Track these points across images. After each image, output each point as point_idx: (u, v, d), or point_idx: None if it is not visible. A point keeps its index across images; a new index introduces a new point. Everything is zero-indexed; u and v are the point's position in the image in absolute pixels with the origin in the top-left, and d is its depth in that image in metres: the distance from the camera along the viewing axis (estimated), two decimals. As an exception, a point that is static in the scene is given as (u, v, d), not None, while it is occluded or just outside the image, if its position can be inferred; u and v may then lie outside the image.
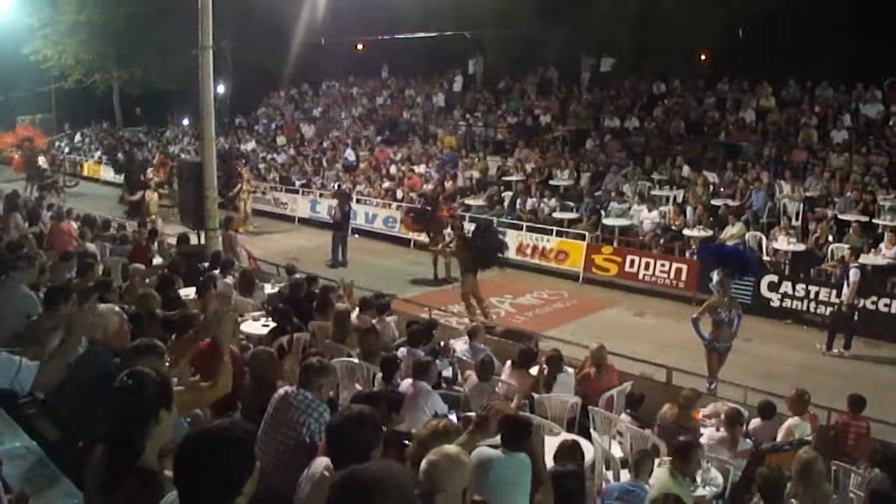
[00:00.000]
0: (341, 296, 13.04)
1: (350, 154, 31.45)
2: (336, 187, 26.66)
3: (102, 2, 40.77)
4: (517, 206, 24.00)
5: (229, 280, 13.86)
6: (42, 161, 33.28)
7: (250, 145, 36.62)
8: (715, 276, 13.50)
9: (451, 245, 18.58)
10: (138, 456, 3.84)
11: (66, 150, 44.84)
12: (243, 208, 26.89)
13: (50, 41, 42.82)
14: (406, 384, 8.78)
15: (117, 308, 6.43)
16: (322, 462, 4.91)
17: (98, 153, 42.73)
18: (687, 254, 19.75)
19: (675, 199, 22.33)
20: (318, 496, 4.55)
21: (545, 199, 23.64)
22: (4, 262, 9.04)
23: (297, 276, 14.60)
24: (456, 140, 30.35)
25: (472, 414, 8.63)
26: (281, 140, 36.97)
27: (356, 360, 10.24)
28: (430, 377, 8.95)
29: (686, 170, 23.39)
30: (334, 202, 23.79)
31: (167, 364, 5.45)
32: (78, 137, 47.54)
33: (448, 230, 19.89)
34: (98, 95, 47.41)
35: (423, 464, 3.83)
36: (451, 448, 3.97)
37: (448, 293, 18.96)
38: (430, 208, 21.30)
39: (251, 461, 3.33)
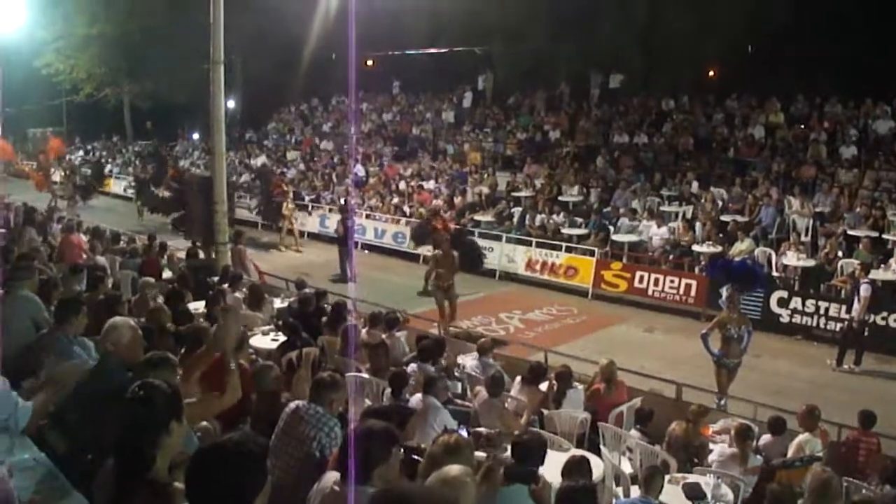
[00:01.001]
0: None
1: (360, 169, 31.48)
2: (342, 202, 26.73)
3: (115, 16, 40.91)
4: (526, 221, 24.01)
5: (238, 294, 13.88)
6: (55, 174, 33.41)
7: (260, 160, 36.66)
8: (724, 292, 13.48)
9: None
10: (149, 468, 3.84)
11: (78, 162, 44.97)
12: (286, 227, 26.99)
13: (62, 55, 43.01)
14: (416, 400, 8.77)
15: (132, 322, 6.44)
16: (332, 477, 4.90)
17: (108, 167, 42.89)
18: (696, 269, 19.73)
19: (684, 214, 22.29)
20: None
21: (554, 215, 23.65)
22: (8, 274, 9.09)
23: (307, 290, 14.60)
24: (481, 156, 30.19)
25: (483, 429, 8.64)
26: (291, 155, 37.04)
27: (366, 376, 10.24)
28: (439, 393, 8.93)
29: (695, 186, 23.38)
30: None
31: (178, 377, 5.44)
32: (80, 154, 47.28)
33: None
34: (109, 109, 47.61)
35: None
36: (452, 472, 3.96)
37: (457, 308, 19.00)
38: (428, 222, 21.21)
39: (263, 475, 3.32)
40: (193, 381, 5.84)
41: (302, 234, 28.10)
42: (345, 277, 21.60)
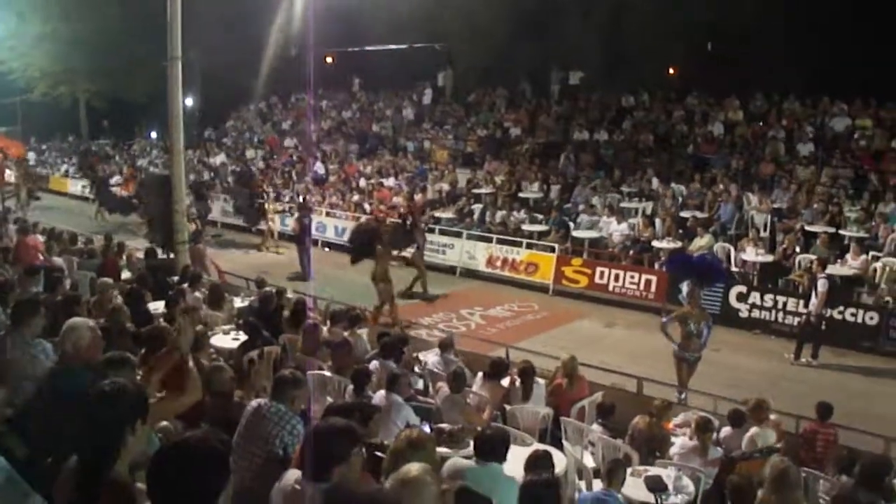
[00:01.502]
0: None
1: (319, 167, 31.37)
2: (300, 200, 26.59)
3: (69, 13, 40.48)
4: (487, 218, 24.06)
5: (198, 294, 13.81)
6: (9, 175, 32.95)
7: (219, 158, 36.42)
8: (684, 288, 13.60)
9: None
10: (110, 468, 3.82)
11: (32, 163, 44.38)
12: (268, 228, 26.83)
13: (16, 52, 42.46)
14: (379, 396, 8.78)
15: (91, 323, 6.39)
16: (293, 475, 4.88)
17: (64, 167, 42.42)
18: (656, 265, 19.86)
19: (644, 211, 22.47)
20: (290, 509, 4.54)
21: (515, 212, 23.72)
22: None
23: (268, 289, 14.55)
24: (447, 154, 30.19)
25: (445, 425, 8.67)
26: (250, 153, 36.81)
27: (328, 373, 10.23)
28: (402, 390, 8.95)
29: (655, 182, 23.53)
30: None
31: (139, 377, 5.41)
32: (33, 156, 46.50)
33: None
34: (64, 108, 47.08)
35: (391, 492, 3.85)
36: (411, 472, 3.97)
37: (418, 305, 19.05)
38: (409, 221, 21.16)
39: (226, 473, 3.32)
40: (154, 381, 5.83)
41: (262, 232, 28.04)
42: (304, 275, 21.53)
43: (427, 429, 7.78)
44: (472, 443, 6.96)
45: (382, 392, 8.83)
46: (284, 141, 36.94)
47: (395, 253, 18.75)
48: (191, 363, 5.48)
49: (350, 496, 3.07)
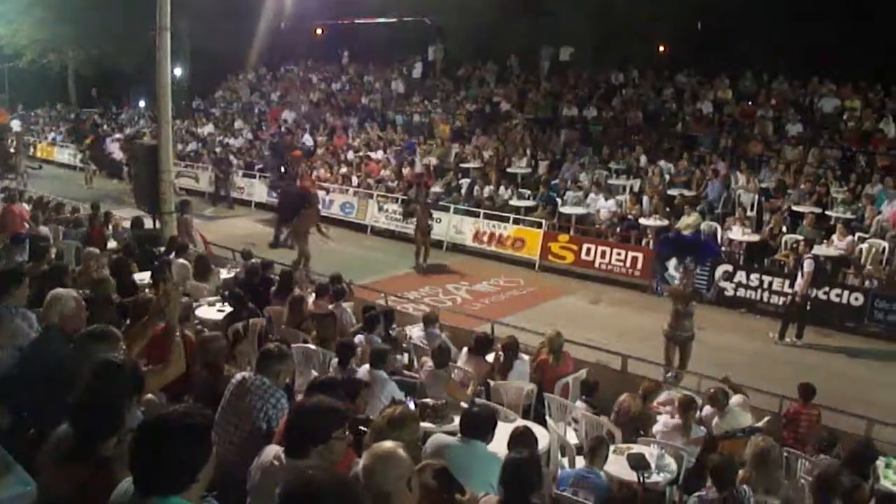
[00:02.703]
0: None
1: (307, 139, 31.25)
2: (282, 170, 26.47)
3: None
4: (474, 192, 24.03)
5: (184, 261, 13.74)
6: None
7: (207, 129, 36.26)
8: (671, 266, 13.61)
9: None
10: (106, 442, 3.81)
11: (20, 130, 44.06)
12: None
13: (4, 19, 41.95)
14: (363, 371, 8.77)
15: (76, 293, 6.36)
16: (273, 450, 4.87)
17: (52, 135, 42.16)
18: (643, 243, 19.89)
19: (631, 188, 22.46)
20: (268, 485, 4.51)
21: (502, 187, 23.69)
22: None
23: (254, 261, 14.51)
24: (449, 129, 29.67)
25: (429, 401, 8.67)
26: (238, 124, 36.63)
27: (312, 347, 10.22)
28: (387, 366, 8.96)
29: (643, 159, 23.49)
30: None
31: (122, 350, 5.37)
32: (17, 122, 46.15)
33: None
34: (52, 76, 46.67)
35: (360, 469, 3.84)
36: (383, 447, 3.96)
37: (404, 279, 19.04)
38: (414, 197, 21.19)
39: (208, 448, 3.31)
40: (137, 353, 5.79)
41: (249, 203, 27.94)
42: (276, 242, 21.63)
43: (411, 404, 7.78)
44: (456, 419, 6.96)
45: (366, 367, 8.82)
46: (284, 114, 36.55)
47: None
48: (177, 335, 5.44)
49: (311, 479, 3.03)
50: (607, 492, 7.48)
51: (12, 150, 32.01)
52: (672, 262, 14.10)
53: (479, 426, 6.36)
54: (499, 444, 6.46)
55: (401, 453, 3.88)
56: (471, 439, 6.21)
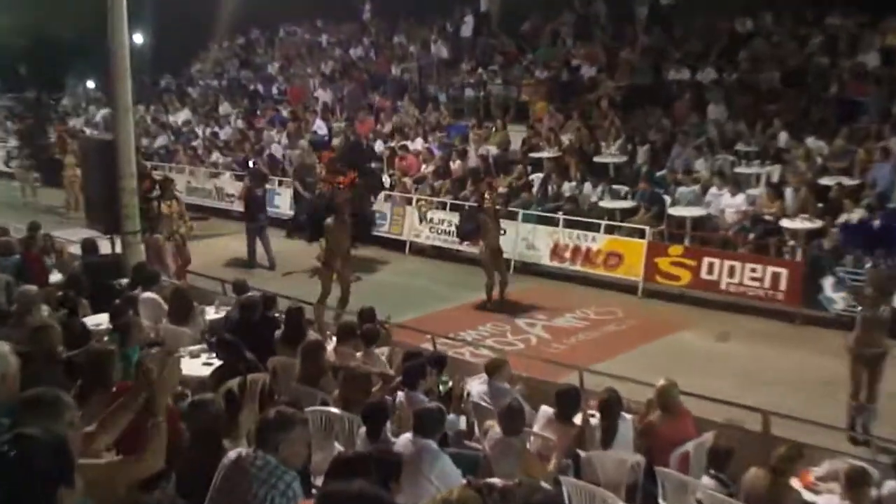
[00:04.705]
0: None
1: (320, 125, 31.34)
2: (251, 164, 26.73)
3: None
4: (550, 192, 23.99)
5: (156, 297, 13.82)
6: None
7: (182, 115, 36.62)
8: (827, 286, 13.46)
9: None
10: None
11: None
12: None
13: None
14: (404, 442, 8.76)
15: (7, 347, 6.42)
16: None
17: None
18: (786, 254, 19.69)
19: (768, 177, 22.25)
20: None
21: (588, 183, 23.62)
22: None
23: (251, 294, 14.56)
24: (546, 105, 29.26)
25: (497, 481, 8.63)
26: (224, 109, 36.86)
27: (335, 410, 10.24)
28: (437, 434, 8.93)
29: (783, 138, 23.30)
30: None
31: (71, 424, 5.35)
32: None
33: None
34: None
35: None
36: None
37: (459, 314, 19.09)
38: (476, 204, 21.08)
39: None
40: (100, 434, 5.81)
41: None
42: (252, 262, 22.10)
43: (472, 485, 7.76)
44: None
45: (409, 435, 8.80)
46: (316, 91, 36.47)
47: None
48: (161, 418, 5.44)
49: None
50: None
51: None
52: (829, 281, 13.93)
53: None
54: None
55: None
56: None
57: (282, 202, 27.68)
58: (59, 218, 24.66)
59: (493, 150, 26.85)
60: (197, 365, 11.82)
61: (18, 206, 29.03)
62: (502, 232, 21.09)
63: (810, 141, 22.69)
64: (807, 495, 9.33)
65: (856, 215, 19.14)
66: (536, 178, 24.98)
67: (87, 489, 4.28)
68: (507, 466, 9.31)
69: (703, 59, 28.13)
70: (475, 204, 20.80)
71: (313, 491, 7.38)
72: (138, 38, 40.06)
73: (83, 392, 7.67)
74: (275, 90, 37.36)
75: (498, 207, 20.52)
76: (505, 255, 21.60)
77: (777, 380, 14.54)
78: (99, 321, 12.37)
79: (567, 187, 23.80)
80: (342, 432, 9.98)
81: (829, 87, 24.97)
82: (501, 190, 23.98)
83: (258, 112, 35.40)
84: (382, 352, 12.74)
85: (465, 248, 21.81)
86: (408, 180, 25.91)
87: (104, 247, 17.65)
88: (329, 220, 17.86)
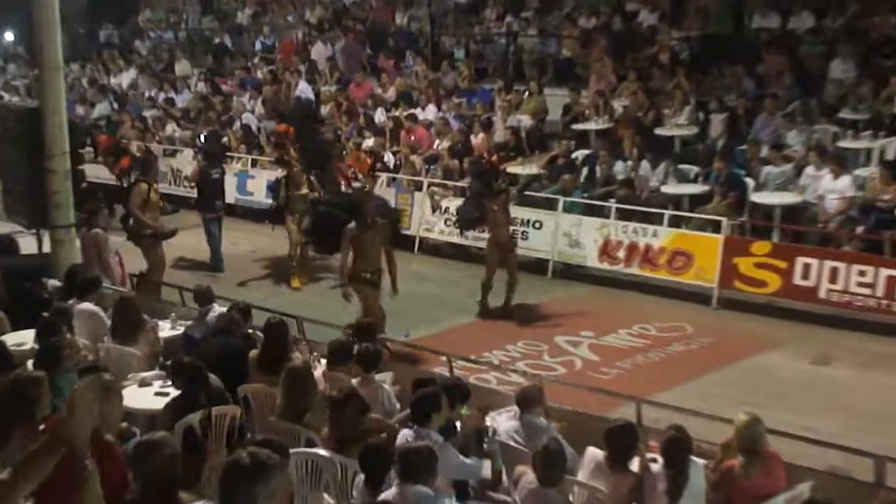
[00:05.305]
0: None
1: (306, 89, 31.34)
2: (201, 139, 26.78)
3: None
4: (598, 174, 24.00)
5: (96, 309, 13.86)
6: None
7: (127, 77, 36.71)
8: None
9: None
10: None
11: None
12: None
13: None
14: (391, 493, 8.76)
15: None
16: None
17: None
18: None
19: (882, 154, 22.22)
20: None
21: (646, 162, 23.64)
22: None
23: (215, 305, 14.59)
24: (612, 65, 28.76)
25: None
26: (182, 68, 36.90)
27: (324, 453, 10.26)
28: (428, 474, 8.91)
29: (903, 104, 23.30)
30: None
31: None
32: None
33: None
34: None
35: None
36: None
37: (481, 329, 19.09)
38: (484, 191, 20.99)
39: None
40: (18, 482, 5.83)
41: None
42: (216, 262, 22.53)
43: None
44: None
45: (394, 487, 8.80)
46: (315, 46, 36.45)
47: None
48: (88, 462, 5.46)
49: None
50: None
51: None
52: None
53: None
54: None
55: None
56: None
57: (255, 188, 27.63)
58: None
59: (525, 120, 26.86)
60: (148, 395, 11.86)
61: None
62: (536, 225, 21.13)
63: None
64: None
65: None
66: (581, 155, 25.01)
67: None
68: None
69: (795, 2, 28.04)
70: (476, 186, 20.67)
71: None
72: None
73: (2, 430, 7.70)
74: (249, 44, 37.35)
75: (503, 186, 20.47)
76: (540, 256, 21.68)
77: (892, 416, 14.53)
78: (21, 340, 12.40)
79: (620, 168, 23.81)
80: (333, 481, 9.99)
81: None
82: (528, 171, 24.04)
83: (225, 73, 35.43)
84: (386, 377, 12.74)
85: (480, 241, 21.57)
86: (417, 159, 25.85)
87: (27, 245, 17.68)
88: (351, 226, 17.45)
